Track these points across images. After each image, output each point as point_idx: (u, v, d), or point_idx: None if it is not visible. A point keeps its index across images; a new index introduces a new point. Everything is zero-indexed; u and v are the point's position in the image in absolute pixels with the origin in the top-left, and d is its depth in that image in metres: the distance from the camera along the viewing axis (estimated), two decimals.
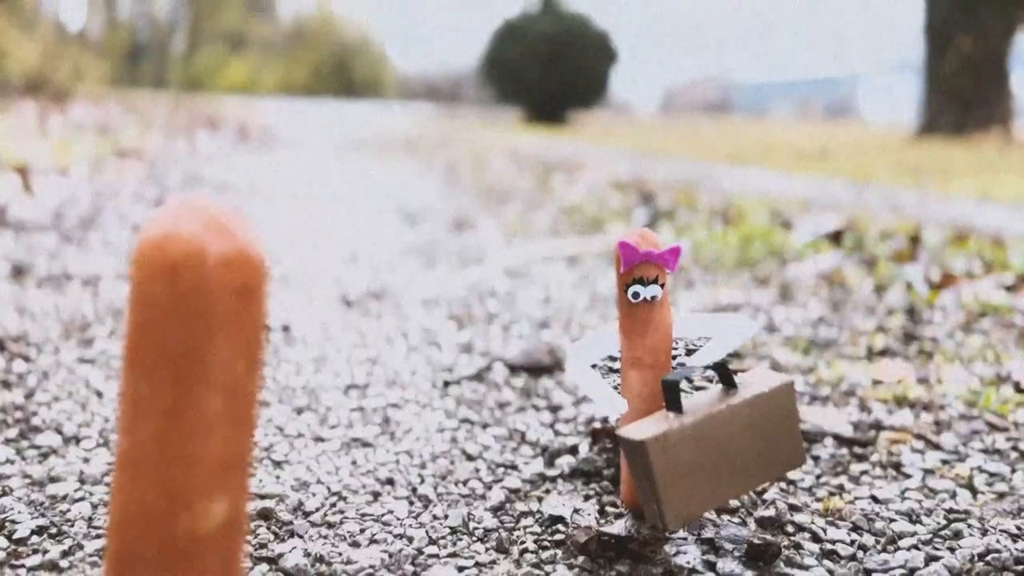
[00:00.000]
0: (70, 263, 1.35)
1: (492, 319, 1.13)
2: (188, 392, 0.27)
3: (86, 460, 0.65)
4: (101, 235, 1.62)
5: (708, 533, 0.56)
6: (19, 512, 0.56)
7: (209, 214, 0.28)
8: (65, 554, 0.52)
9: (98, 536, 0.54)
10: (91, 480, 0.61)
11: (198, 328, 0.27)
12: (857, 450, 0.72)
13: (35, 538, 0.54)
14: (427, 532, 0.56)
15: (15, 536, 0.54)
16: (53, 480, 0.61)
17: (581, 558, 0.53)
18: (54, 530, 0.55)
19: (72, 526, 0.55)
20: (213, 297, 0.27)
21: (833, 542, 0.57)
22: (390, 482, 0.64)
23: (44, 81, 7.67)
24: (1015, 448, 0.73)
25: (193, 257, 0.27)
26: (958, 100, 6.51)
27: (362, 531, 0.56)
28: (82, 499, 0.59)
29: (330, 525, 0.57)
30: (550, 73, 10.25)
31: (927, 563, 0.54)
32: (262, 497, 0.60)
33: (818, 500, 0.63)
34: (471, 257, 1.58)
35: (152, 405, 0.27)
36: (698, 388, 0.59)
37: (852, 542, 0.57)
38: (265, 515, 0.58)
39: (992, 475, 0.68)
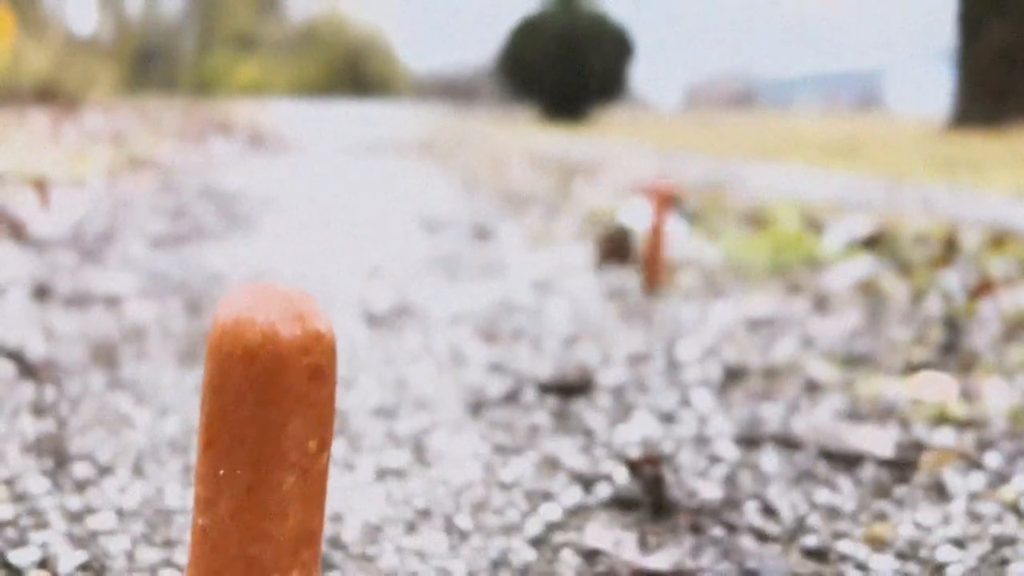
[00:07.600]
0: (91, 281, 1.36)
1: (519, 335, 1.13)
2: (264, 473, 0.29)
3: (122, 491, 0.65)
4: (120, 250, 1.63)
5: (751, 563, 0.55)
6: (61, 547, 0.57)
7: (282, 299, 0.29)
8: None
9: (139, 571, 0.54)
10: (128, 513, 0.62)
11: (273, 411, 0.29)
12: (899, 472, 0.71)
13: (79, 574, 0.54)
14: (466, 565, 0.56)
15: (58, 571, 0.54)
16: (91, 512, 0.62)
17: None
18: (97, 565, 0.55)
19: (113, 561, 0.56)
20: (287, 381, 0.29)
21: (878, 571, 0.56)
22: (426, 513, 0.63)
23: (56, 88, 7.74)
24: None
25: (268, 342, 0.28)
26: (992, 90, 6.38)
27: (401, 565, 0.56)
28: (121, 532, 0.59)
29: (368, 559, 0.57)
30: (567, 68, 10.25)
31: None
32: None
33: (861, 526, 0.62)
34: (494, 269, 1.58)
35: (230, 485, 0.29)
36: None
37: (897, 571, 0.56)
38: None
39: None
